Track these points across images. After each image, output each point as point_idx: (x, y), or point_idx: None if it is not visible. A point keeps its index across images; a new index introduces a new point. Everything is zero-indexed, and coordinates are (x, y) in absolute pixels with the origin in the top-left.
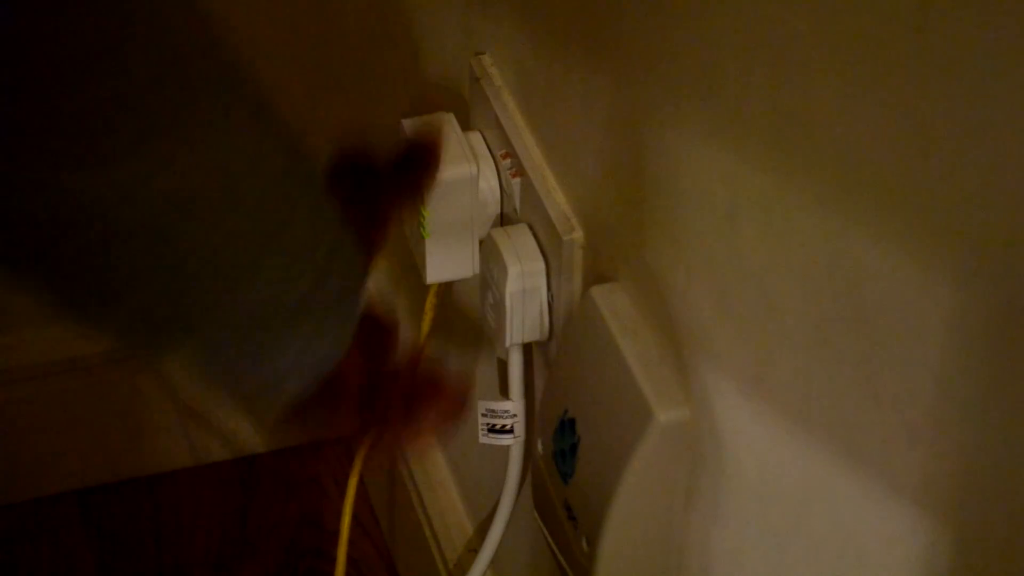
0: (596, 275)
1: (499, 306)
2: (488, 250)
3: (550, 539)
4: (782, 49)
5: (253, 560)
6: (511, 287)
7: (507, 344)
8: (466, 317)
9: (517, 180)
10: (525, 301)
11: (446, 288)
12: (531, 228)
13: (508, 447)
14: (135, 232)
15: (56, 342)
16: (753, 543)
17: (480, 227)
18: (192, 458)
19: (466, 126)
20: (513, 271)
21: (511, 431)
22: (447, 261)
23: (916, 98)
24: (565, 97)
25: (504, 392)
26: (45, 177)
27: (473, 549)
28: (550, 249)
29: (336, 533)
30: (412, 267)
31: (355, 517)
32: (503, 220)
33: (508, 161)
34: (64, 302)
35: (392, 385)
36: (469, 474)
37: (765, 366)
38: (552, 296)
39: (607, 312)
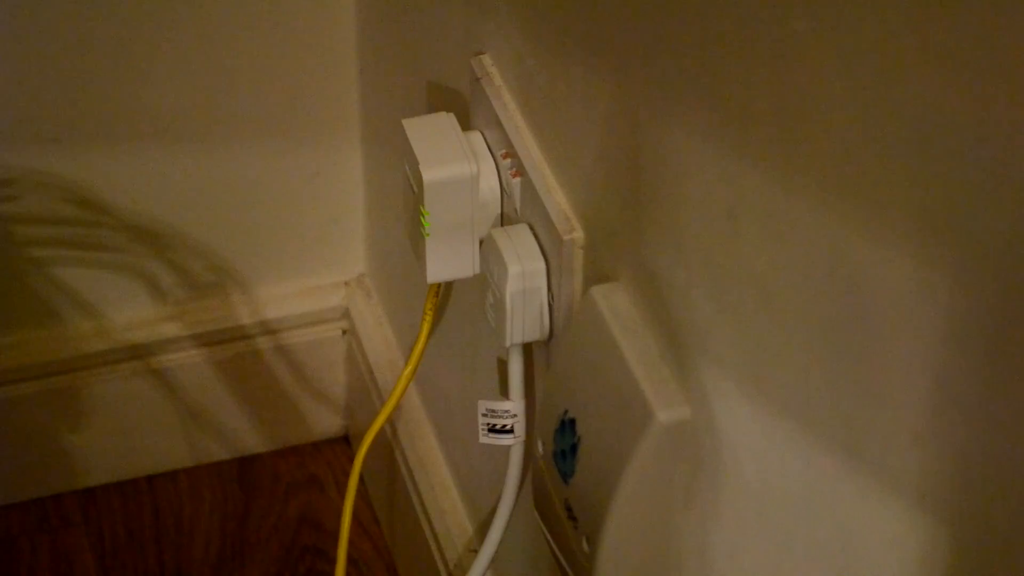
0: (596, 275)
1: (499, 306)
2: (488, 250)
3: (550, 539)
4: (782, 49)
5: (253, 560)
6: (511, 287)
7: (507, 344)
8: (466, 317)
9: (517, 180)
10: (525, 301)
11: (446, 288)
12: (531, 228)
13: (508, 447)
14: None
15: (56, 342)
16: (753, 543)
17: (480, 227)
18: (192, 458)
19: (466, 126)
20: (513, 271)
21: (511, 431)
22: (447, 261)
23: (916, 98)
24: (565, 97)
25: (504, 392)
26: None
27: (473, 549)
28: (550, 249)
29: (336, 533)
30: (412, 267)
31: (355, 517)
32: (503, 220)
33: (508, 161)
34: None
35: None
36: (469, 474)
37: (765, 366)
38: (552, 296)
39: (607, 312)
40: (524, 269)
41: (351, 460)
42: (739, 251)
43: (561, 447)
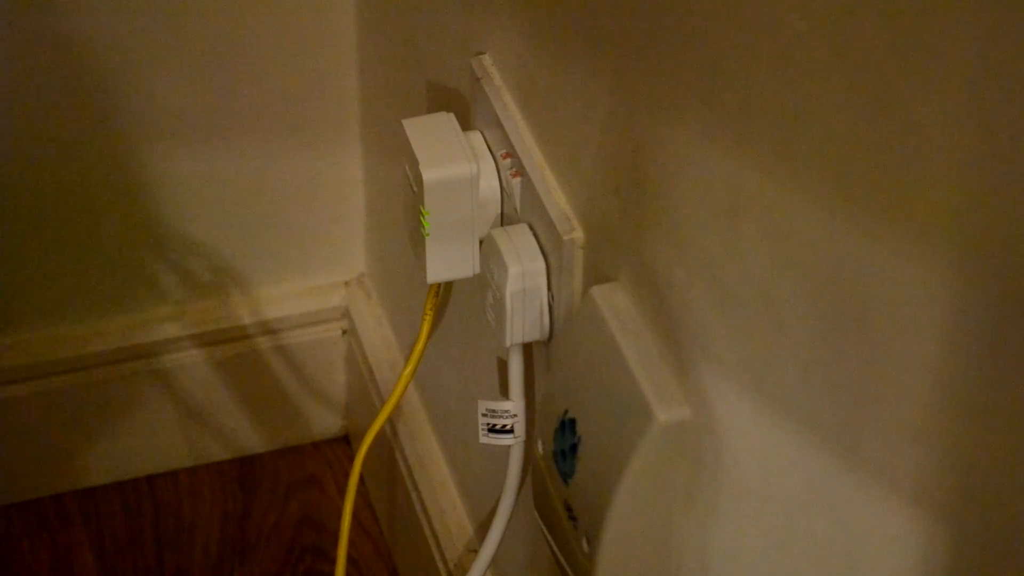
0: (596, 275)
1: (499, 306)
2: (488, 250)
3: (550, 539)
4: (783, 49)
5: (253, 560)
6: (511, 287)
7: (507, 344)
8: (466, 317)
9: (517, 180)
10: (525, 301)
11: (446, 288)
12: (531, 228)
13: (508, 447)
14: None
15: (56, 342)
16: (753, 543)
17: (480, 227)
18: (192, 458)
19: (466, 126)
20: (513, 271)
21: (511, 431)
22: (447, 261)
23: (916, 98)
24: (565, 97)
25: (504, 392)
26: None
27: (473, 549)
28: (550, 249)
29: (336, 533)
30: (412, 267)
31: (355, 517)
32: (503, 220)
33: (508, 161)
34: None
35: None
36: (469, 474)
37: (765, 366)
38: (552, 296)
39: (607, 312)
40: (524, 269)
41: (351, 460)
42: (739, 251)
43: (561, 447)
